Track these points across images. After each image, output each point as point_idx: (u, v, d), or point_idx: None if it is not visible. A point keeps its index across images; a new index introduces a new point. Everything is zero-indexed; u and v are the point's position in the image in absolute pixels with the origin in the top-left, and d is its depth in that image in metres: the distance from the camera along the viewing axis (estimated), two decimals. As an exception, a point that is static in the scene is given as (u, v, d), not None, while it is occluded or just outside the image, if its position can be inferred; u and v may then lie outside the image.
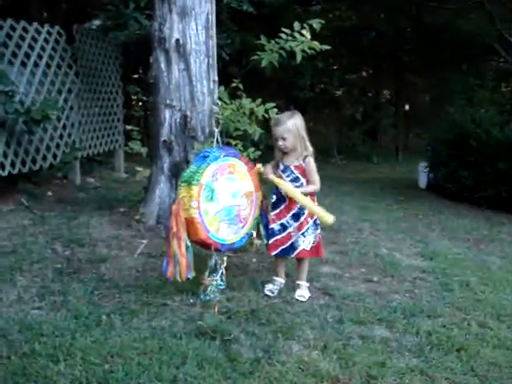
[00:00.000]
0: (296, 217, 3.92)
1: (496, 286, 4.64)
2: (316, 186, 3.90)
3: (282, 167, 3.96)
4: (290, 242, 3.94)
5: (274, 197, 4.02)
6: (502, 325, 3.82)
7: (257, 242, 4.10)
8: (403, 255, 5.36)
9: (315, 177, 3.89)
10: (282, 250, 3.97)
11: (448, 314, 3.91)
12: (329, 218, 3.75)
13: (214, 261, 3.88)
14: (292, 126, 3.85)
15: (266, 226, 4.05)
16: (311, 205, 3.83)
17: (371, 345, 3.31)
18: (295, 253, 3.95)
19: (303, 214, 3.90)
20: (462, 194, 9.37)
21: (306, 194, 3.85)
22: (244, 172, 3.96)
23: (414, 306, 3.97)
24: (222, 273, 3.94)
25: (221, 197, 3.77)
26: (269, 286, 4.04)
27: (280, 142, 3.88)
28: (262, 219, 4.08)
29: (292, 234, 3.92)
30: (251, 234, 4.05)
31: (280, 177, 3.94)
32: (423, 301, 4.13)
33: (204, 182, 3.67)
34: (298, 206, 3.89)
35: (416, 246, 5.85)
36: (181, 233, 3.60)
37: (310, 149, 3.94)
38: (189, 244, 3.66)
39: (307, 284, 4.06)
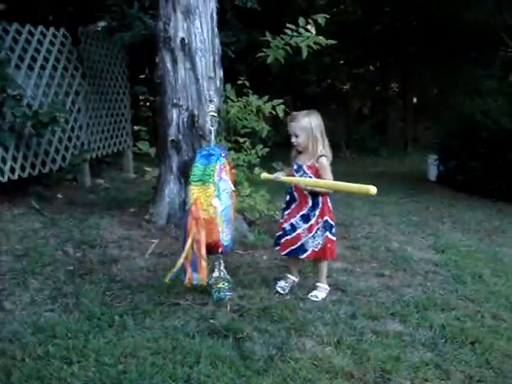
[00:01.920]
0: (305, 218, 3.89)
1: (509, 278, 4.62)
2: None
3: (295, 166, 3.94)
4: (299, 243, 3.91)
5: (288, 196, 4.00)
6: (516, 316, 3.80)
7: None
8: (415, 249, 5.34)
9: (328, 176, 3.83)
10: (292, 250, 3.96)
11: (461, 306, 3.90)
12: (371, 189, 3.59)
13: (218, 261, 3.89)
14: (306, 124, 3.82)
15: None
16: (343, 185, 3.72)
17: (385, 339, 3.29)
18: (305, 254, 3.92)
19: (313, 215, 3.86)
20: (472, 185, 9.33)
21: (317, 192, 3.83)
22: (229, 172, 3.95)
23: (426, 299, 3.96)
24: (225, 271, 3.93)
25: (223, 196, 3.76)
26: (280, 283, 4.04)
27: (293, 139, 3.86)
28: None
29: (302, 235, 3.90)
30: None
31: (293, 175, 3.93)
32: (436, 294, 4.12)
33: (214, 181, 3.66)
34: (308, 207, 3.87)
35: (427, 239, 5.83)
36: (200, 235, 3.52)
37: (326, 150, 3.88)
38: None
39: (326, 286, 4.02)
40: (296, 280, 4.13)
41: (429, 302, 3.90)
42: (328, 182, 3.77)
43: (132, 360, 2.90)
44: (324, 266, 4.03)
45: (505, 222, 7.25)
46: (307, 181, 3.82)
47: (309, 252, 3.90)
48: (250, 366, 2.90)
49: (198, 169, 3.68)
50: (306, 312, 3.63)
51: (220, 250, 3.75)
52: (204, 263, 3.51)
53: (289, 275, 4.12)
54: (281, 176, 3.99)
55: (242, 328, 3.30)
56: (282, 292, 3.97)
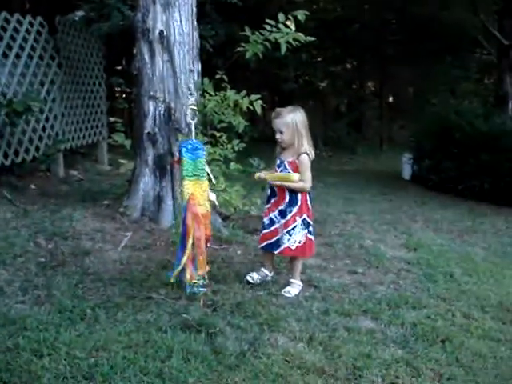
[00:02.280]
0: (283, 213, 3.90)
1: (480, 277, 4.69)
2: (306, 184, 3.85)
3: (278, 162, 3.95)
4: (275, 238, 3.93)
5: (269, 190, 4.01)
6: (486, 315, 3.86)
7: None
8: (388, 247, 5.38)
9: (306, 175, 3.84)
10: (267, 244, 3.98)
11: (432, 305, 3.94)
12: (293, 176, 3.78)
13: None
14: (291, 120, 3.81)
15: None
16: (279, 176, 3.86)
17: (357, 336, 3.31)
18: (279, 249, 3.94)
19: (290, 211, 3.87)
20: (445, 185, 9.45)
21: (293, 189, 3.85)
22: None
23: (398, 297, 3.99)
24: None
25: None
26: (252, 274, 4.06)
27: (277, 135, 3.86)
28: None
29: (278, 229, 3.91)
30: None
31: (275, 171, 3.94)
32: (408, 292, 4.16)
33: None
34: (285, 202, 3.88)
35: (400, 237, 5.89)
36: (200, 232, 3.49)
37: (308, 147, 3.87)
38: None
39: (299, 283, 4.02)
40: (269, 274, 4.13)
41: (401, 299, 3.94)
42: (278, 175, 3.87)
43: (104, 353, 2.87)
44: (299, 263, 4.04)
45: (476, 222, 7.35)
46: (272, 175, 3.91)
47: (282, 248, 3.91)
48: (222, 361, 2.89)
49: (188, 163, 3.62)
50: (279, 308, 3.63)
51: (208, 244, 3.73)
52: (203, 259, 3.50)
53: (262, 269, 4.13)
54: (262, 173, 4.00)
55: (215, 323, 3.29)
56: (250, 281, 3.99)
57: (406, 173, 11.15)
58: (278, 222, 3.91)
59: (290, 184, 3.83)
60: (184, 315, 3.38)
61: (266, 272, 4.12)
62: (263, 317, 3.45)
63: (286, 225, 3.88)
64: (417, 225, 6.75)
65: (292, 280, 4.01)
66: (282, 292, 3.89)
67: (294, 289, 3.95)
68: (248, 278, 4.03)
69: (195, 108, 4.05)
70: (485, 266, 5.09)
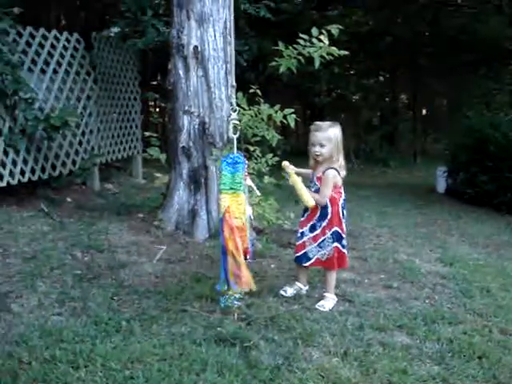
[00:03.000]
0: (312, 228, 3.92)
1: (517, 292, 4.60)
2: (320, 198, 3.83)
3: (311, 177, 3.96)
4: (303, 251, 3.95)
5: (303, 206, 4.00)
6: (524, 331, 3.78)
7: None
8: (423, 261, 5.31)
9: (325, 190, 3.82)
10: (297, 257, 4.01)
11: (469, 320, 3.87)
12: (309, 202, 3.74)
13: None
14: (333, 135, 3.82)
15: None
16: (298, 187, 3.78)
17: (392, 352, 3.28)
18: (309, 262, 3.96)
19: (320, 225, 3.88)
20: (481, 198, 9.30)
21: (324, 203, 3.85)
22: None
23: (434, 312, 3.94)
24: None
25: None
26: (285, 288, 4.08)
27: (317, 148, 3.83)
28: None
29: (306, 243, 3.93)
30: None
31: (308, 187, 3.92)
32: (444, 307, 4.09)
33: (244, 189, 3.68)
34: (316, 217, 3.89)
35: (435, 251, 5.81)
36: (237, 243, 3.53)
37: (343, 163, 3.89)
38: None
39: (333, 297, 4.01)
40: (303, 288, 4.13)
41: (436, 315, 3.88)
42: (294, 180, 3.82)
43: (139, 366, 2.90)
44: (332, 276, 4.02)
45: (513, 236, 7.22)
46: (292, 180, 3.86)
47: (312, 260, 3.93)
48: (257, 375, 2.89)
49: (226, 177, 3.65)
50: (313, 322, 3.61)
51: (248, 257, 3.74)
52: (245, 269, 3.53)
53: (296, 282, 4.14)
54: (293, 172, 3.94)
55: (249, 337, 3.29)
56: (284, 294, 4.01)
57: (441, 186, 11.02)
58: (307, 236, 3.93)
59: (312, 195, 3.82)
60: (218, 328, 3.39)
61: (301, 285, 4.12)
62: (297, 331, 3.44)
63: (315, 238, 3.89)
64: (452, 239, 6.66)
65: (326, 294, 3.99)
66: (316, 306, 3.88)
67: (328, 303, 3.93)
68: (282, 292, 4.04)
69: (238, 123, 4.07)
70: (522, 281, 4.99)
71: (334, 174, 3.84)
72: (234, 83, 4.98)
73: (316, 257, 3.92)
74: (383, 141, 19.27)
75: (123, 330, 3.32)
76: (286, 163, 3.97)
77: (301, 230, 3.99)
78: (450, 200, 9.97)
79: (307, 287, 4.17)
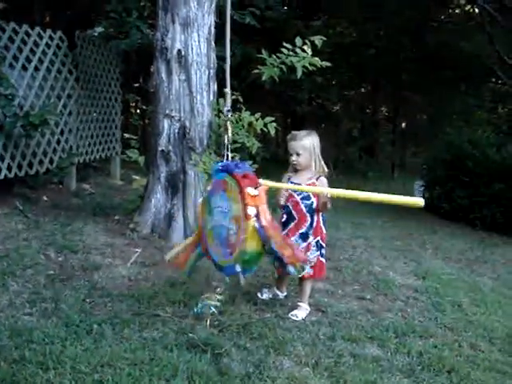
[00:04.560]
0: (304, 236, 3.89)
1: (488, 308, 4.65)
2: (329, 202, 3.87)
3: (290, 184, 3.95)
4: None
5: (285, 216, 3.97)
6: (493, 347, 3.83)
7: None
8: (396, 274, 5.35)
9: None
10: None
11: (440, 334, 3.91)
12: (419, 201, 3.14)
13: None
14: (309, 144, 3.86)
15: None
16: (388, 196, 3.25)
17: (363, 363, 3.29)
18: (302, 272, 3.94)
19: (310, 234, 3.89)
20: (456, 213, 9.42)
21: (314, 208, 3.88)
22: (236, 192, 3.45)
23: (406, 325, 3.97)
24: (220, 293, 3.89)
25: (215, 213, 3.62)
26: (263, 290, 4.15)
27: (293, 157, 3.88)
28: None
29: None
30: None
31: (290, 195, 3.91)
32: (415, 321, 4.13)
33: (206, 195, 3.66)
34: (307, 225, 3.88)
35: (409, 264, 5.85)
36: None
37: (326, 170, 3.95)
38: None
39: (307, 306, 4.01)
40: (281, 295, 4.17)
41: (408, 328, 3.91)
42: (368, 194, 3.36)
43: (109, 370, 2.87)
44: (308, 286, 4.03)
45: (487, 253, 7.31)
46: (334, 191, 3.54)
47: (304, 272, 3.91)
48: (227, 382, 2.88)
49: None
50: (285, 331, 3.61)
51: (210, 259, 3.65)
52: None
53: (275, 289, 4.19)
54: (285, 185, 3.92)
55: (221, 344, 3.28)
56: (260, 296, 4.07)
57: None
58: (301, 246, 3.85)
59: (324, 191, 3.68)
60: (190, 334, 3.38)
61: (278, 292, 4.18)
62: (269, 339, 3.43)
63: (307, 247, 3.88)
64: (426, 253, 6.72)
65: (300, 303, 3.99)
66: (290, 315, 3.88)
67: (302, 312, 3.93)
68: (258, 294, 4.09)
69: (229, 127, 4.09)
70: (493, 297, 5.05)
71: (326, 181, 3.93)
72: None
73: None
74: (363, 152, 19.40)
75: (94, 333, 3.29)
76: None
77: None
78: (426, 214, 10.05)
79: (285, 293, 4.21)
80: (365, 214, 9.37)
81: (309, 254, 3.87)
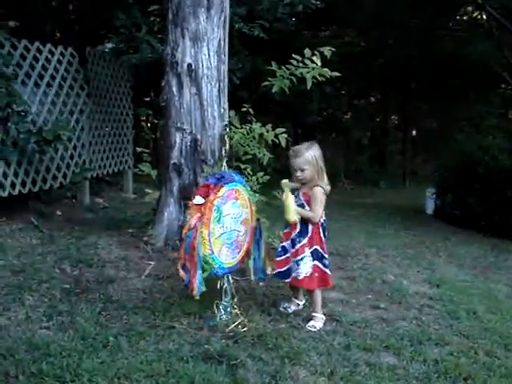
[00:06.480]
0: (292, 242, 3.95)
1: (503, 315, 4.63)
2: (314, 214, 3.87)
3: (295, 193, 4.00)
4: (287, 267, 3.97)
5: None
6: (510, 354, 3.81)
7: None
8: (410, 282, 5.35)
9: (316, 206, 3.87)
10: (279, 272, 4.02)
11: (455, 342, 3.90)
12: (291, 217, 3.83)
13: (225, 285, 3.91)
14: (311, 158, 3.89)
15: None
16: (288, 202, 3.84)
17: (378, 372, 3.30)
18: (289, 279, 4.00)
19: (299, 241, 3.91)
20: (468, 220, 9.39)
21: (303, 218, 3.89)
22: (246, 199, 3.99)
23: (421, 333, 3.96)
24: (230, 298, 3.94)
25: (226, 220, 3.79)
26: (285, 304, 4.17)
27: (298, 173, 3.91)
28: (255, 251, 4.11)
29: (290, 258, 3.96)
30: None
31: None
32: (430, 328, 4.12)
33: (215, 203, 3.70)
34: (296, 232, 3.92)
35: (423, 272, 5.84)
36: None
37: (325, 180, 3.97)
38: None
39: (321, 315, 4.02)
40: (300, 303, 4.21)
41: (423, 336, 3.91)
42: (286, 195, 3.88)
43: (125, 382, 2.90)
44: (316, 296, 4.02)
45: (500, 259, 7.28)
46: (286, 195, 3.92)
47: (291, 277, 3.96)
48: (244, 393, 2.90)
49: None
50: (300, 341, 3.63)
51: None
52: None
53: (293, 298, 4.21)
54: (289, 188, 3.99)
55: (236, 355, 3.30)
56: (283, 311, 4.09)
57: (429, 207, 11.11)
58: (289, 252, 3.96)
59: (304, 213, 3.88)
60: (206, 346, 3.40)
61: (298, 301, 4.21)
62: (284, 350, 3.45)
63: (295, 254, 3.92)
64: (439, 260, 6.70)
65: (314, 314, 4.00)
66: (307, 326, 3.88)
67: (318, 322, 3.94)
68: (281, 309, 4.13)
69: (227, 140, 4.21)
70: (508, 304, 5.03)
71: (321, 191, 3.90)
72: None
73: (293, 275, 3.94)
74: (373, 161, 19.39)
75: (110, 346, 3.32)
76: (285, 181, 4.02)
77: (282, 244, 4.02)
78: (439, 221, 10.05)
79: (303, 301, 4.24)
80: (377, 223, 9.36)
81: (297, 261, 3.90)
